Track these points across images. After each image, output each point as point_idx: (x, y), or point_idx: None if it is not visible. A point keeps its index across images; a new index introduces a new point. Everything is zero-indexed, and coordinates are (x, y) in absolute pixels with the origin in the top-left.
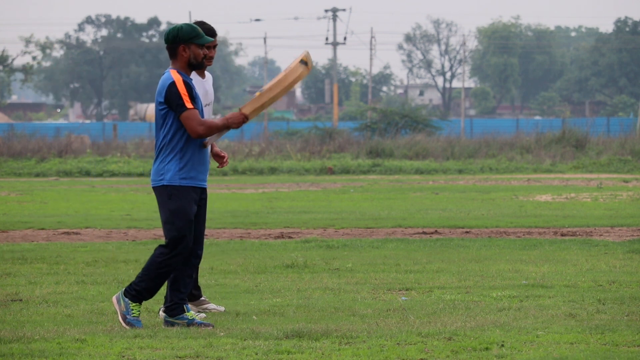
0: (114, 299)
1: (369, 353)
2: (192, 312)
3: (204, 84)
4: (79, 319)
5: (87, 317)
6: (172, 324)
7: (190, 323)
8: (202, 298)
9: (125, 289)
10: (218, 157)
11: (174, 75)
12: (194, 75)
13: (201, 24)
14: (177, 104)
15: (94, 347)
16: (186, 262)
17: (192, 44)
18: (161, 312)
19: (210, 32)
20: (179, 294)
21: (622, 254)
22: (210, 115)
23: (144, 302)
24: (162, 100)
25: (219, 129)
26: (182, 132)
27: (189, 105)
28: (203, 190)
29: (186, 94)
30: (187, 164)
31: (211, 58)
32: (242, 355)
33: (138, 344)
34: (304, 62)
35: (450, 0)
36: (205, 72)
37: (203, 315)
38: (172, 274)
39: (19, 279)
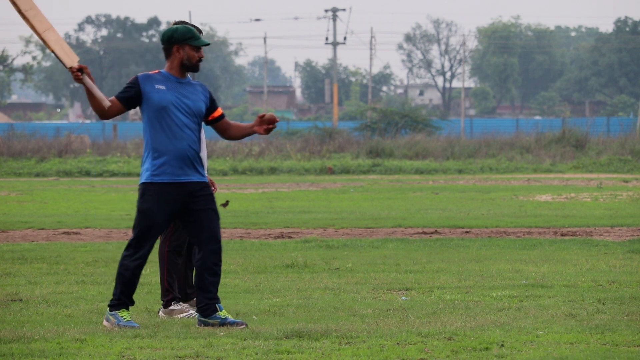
0: (104, 322)
1: (369, 353)
2: (225, 311)
3: None
4: (79, 319)
5: (87, 317)
6: (206, 324)
7: (224, 322)
8: None
9: (108, 306)
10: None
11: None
12: None
13: (182, 23)
14: None
15: (94, 347)
16: (204, 263)
17: (186, 45)
18: (191, 311)
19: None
20: (207, 294)
21: (622, 254)
22: None
23: (149, 304)
24: None
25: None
26: (148, 125)
27: (117, 94)
28: (185, 185)
29: (125, 85)
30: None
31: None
32: (242, 355)
33: (138, 344)
34: None
35: (450, 0)
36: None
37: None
38: (196, 275)
39: (19, 279)
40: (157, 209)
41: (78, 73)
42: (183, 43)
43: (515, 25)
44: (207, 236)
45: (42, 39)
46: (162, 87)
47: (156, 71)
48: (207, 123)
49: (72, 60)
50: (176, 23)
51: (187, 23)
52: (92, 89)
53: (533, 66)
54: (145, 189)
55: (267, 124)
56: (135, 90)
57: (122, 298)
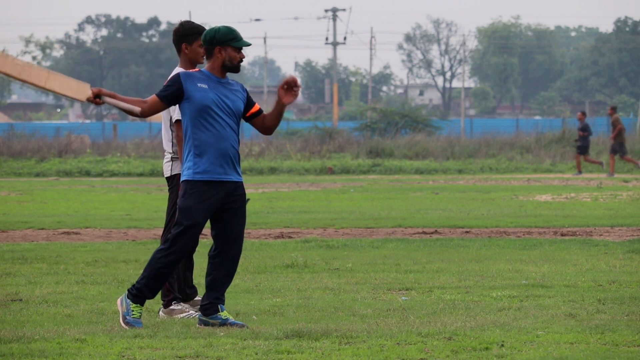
0: (118, 300)
1: (369, 353)
2: (226, 312)
3: None
4: (79, 319)
5: (87, 317)
6: (206, 323)
7: (224, 323)
8: (197, 298)
9: (128, 289)
10: None
11: (178, 70)
12: None
13: (188, 23)
14: None
15: (94, 347)
16: (220, 261)
17: (228, 47)
18: (191, 312)
19: (199, 30)
20: (214, 293)
21: (622, 254)
22: None
23: (149, 304)
24: None
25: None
26: (189, 124)
27: (158, 92)
28: (225, 184)
29: (166, 83)
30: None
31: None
32: (242, 355)
33: (138, 344)
34: None
35: (450, 0)
36: None
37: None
38: (209, 273)
39: (19, 279)
40: (198, 207)
41: (97, 100)
42: (225, 44)
43: (515, 25)
44: (231, 237)
45: (47, 89)
46: (204, 85)
47: (196, 69)
48: (246, 119)
49: (84, 92)
50: (181, 23)
51: (192, 23)
52: (117, 104)
53: (533, 66)
54: (187, 187)
55: (291, 89)
56: (176, 88)
57: (144, 290)
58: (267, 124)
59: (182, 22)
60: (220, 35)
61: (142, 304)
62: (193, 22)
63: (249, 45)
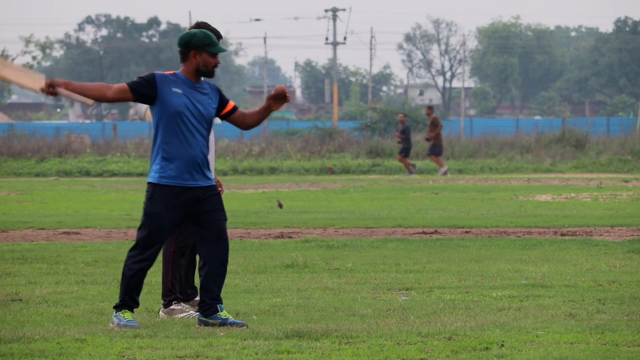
0: (110, 324)
1: (369, 353)
2: (225, 312)
3: None
4: (79, 319)
5: (87, 317)
6: (207, 324)
7: (224, 322)
8: (198, 298)
9: (113, 307)
10: None
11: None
12: None
13: (204, 25)
14: None
15: (94, 347)
16: (208, 262)
17: (204, 52)
18: (191, 312)
19: (216, 35)
20: (210, 293)
21: (622, 254)
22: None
23: (149, 304)
24: None
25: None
26: (161, 127)
27: (130, 82)
28: (193, 190)
29: (140, 78)
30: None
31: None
32: (242, 355)
33: (138, 344)
34: None
35: (450, 0)
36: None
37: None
38: (202, 274)
39: (19, 279)
40: (165, 213)
41: (51, 89)
42: (201, 49)
43: (515, 25)
44: (215, 236)
45: (1, 77)
46: (179, 90)
47: (171, 72)
48: (222, 118)
49: (39, 81)
50: (197, 25)
51: (208, 26)
52: (70, 96)
53: (533, 66)
54: (154, 191)
55: (281, 100)
56: (152, 88)
57: (126, 299)
58: (248, 122)
59: (199, 22)
60: (197, 39)
61: (130, 310)
62: (209, 25)
63: (224, 51)
